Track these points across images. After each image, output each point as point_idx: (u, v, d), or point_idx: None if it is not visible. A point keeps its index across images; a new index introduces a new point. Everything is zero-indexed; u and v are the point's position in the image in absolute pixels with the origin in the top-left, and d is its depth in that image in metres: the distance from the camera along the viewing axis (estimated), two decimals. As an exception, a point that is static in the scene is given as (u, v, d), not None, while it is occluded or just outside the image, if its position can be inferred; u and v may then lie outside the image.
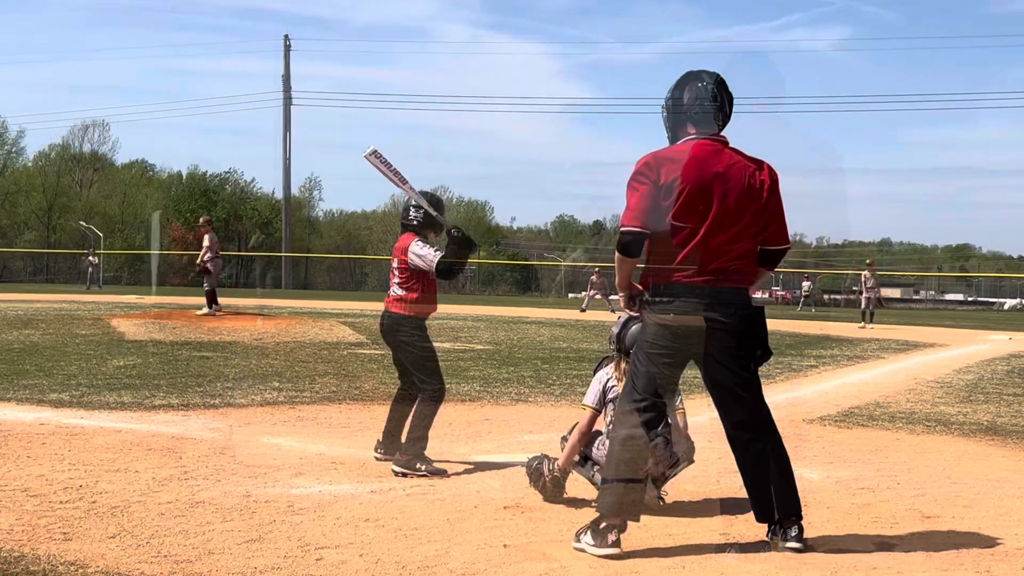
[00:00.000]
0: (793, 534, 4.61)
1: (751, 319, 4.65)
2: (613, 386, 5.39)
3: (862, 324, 27.56)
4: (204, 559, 4.17)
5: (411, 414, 6.32)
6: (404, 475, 6.03)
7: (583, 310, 33.89)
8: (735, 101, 4.79)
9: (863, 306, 28.78)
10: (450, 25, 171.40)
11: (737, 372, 4.64)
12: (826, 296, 77.54)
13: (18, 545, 4.28)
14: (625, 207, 4.58)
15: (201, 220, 20.96)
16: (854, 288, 27.03)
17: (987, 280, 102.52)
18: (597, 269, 36.02)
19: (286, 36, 65.21)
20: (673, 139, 4.78)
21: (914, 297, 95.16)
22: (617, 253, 4.66)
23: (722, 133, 4.75)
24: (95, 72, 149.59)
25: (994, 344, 22.02)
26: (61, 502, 5.07)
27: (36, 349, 13.53)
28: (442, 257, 6.16)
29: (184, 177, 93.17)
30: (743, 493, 5.72)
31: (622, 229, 4.59)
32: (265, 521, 4.83)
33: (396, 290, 6.35)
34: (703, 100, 4.67)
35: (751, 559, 4.45)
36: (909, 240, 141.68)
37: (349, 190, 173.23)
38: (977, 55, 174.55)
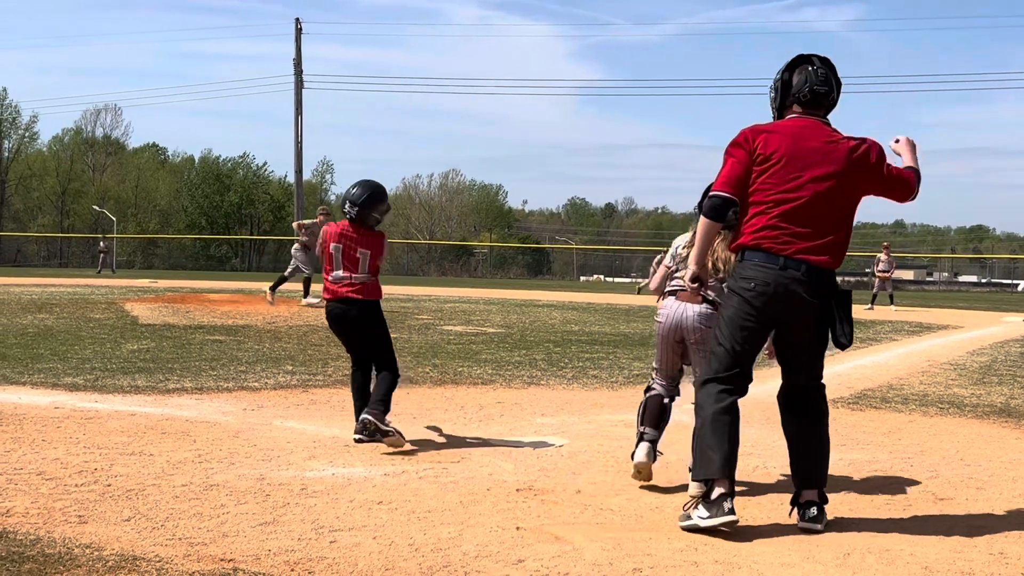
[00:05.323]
0: (812, 514, 4.62)
1: (837, 299, 4.61)
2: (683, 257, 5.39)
3: (869, 306, 27.62)
4: (219, 541, 4.19)
5: (376, 386, 6.58)
6: (374, 432, 6.26)
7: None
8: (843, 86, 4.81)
9: (874, 289, 29.03)
10: (459, 6, 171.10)
11: (811, 345, 4.67)
12: (839, 279, 77.28)
13: (34, 528, 4.30)
14: (718, 173, 4.69)
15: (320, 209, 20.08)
16: (866, 270, 27.08)
17: (1001, 262, 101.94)
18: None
19: (297, 19, 64.84)
20: (778, 118, 4.85)
21: (928, 279, 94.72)
22: (702, 217, 4.72)
23: (827, 117, 4.79)
24: (107, 55, 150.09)
25: (1008, 326, 21.91)
26: (76, 485, 5.10)
27: (50, 333, 13.60)
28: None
29: (197, 161, 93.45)
30: (754, 476, 5.73)
31: (712, 193, 4.67)
32: (279, 504, 4.85)
33: (364, 277, 6.63)
34: (812, 83, 4.72)
35: (765, 539, 4.45)
36: (923, 222, 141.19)
37: (362, 174, 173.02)
38: (993, 34, 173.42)
